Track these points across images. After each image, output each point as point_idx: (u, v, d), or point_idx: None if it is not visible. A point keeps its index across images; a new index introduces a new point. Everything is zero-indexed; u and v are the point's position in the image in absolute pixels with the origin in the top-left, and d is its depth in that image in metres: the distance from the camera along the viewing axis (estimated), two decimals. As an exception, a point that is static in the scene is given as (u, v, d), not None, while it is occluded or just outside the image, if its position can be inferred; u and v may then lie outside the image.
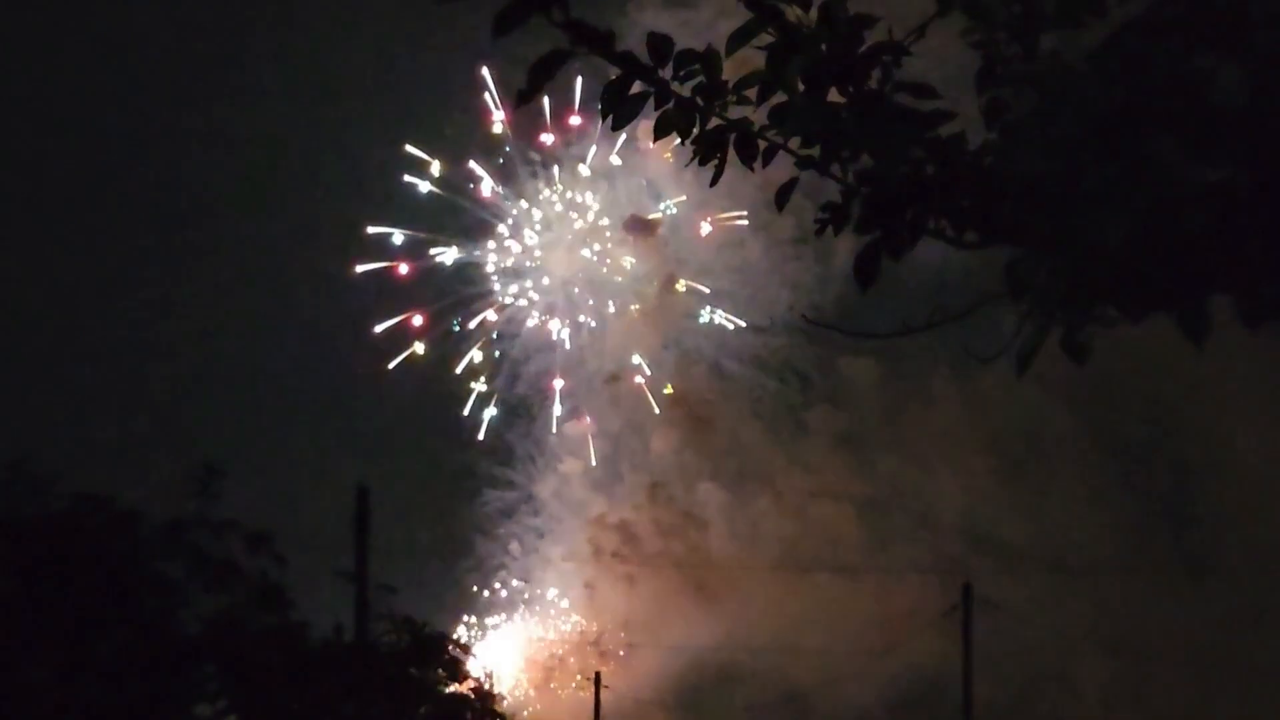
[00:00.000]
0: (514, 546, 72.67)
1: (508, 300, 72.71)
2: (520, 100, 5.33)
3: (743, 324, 72.15)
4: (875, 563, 68.99)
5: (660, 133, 5.59)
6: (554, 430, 72.83)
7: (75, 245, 71.48)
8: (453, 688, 30.13)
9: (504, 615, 72.27)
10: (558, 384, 72.76)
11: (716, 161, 5.63)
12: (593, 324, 73.00)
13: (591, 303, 72.97)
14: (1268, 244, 5.05)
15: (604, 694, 57.87)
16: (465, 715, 29.55)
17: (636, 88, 5.49)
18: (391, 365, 70.66)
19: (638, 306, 73.05)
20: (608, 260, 72.83)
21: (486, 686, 31.51)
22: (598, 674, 58.14)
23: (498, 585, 72.47)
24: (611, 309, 73.02)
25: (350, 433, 70.34)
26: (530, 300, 72.78)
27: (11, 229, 70.72)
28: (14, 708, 24.32)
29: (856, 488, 71.73)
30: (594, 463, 72.54)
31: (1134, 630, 64.88)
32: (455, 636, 31.25)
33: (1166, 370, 60.44)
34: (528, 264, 72.80)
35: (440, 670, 29.54)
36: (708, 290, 72.59)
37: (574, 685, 67.73)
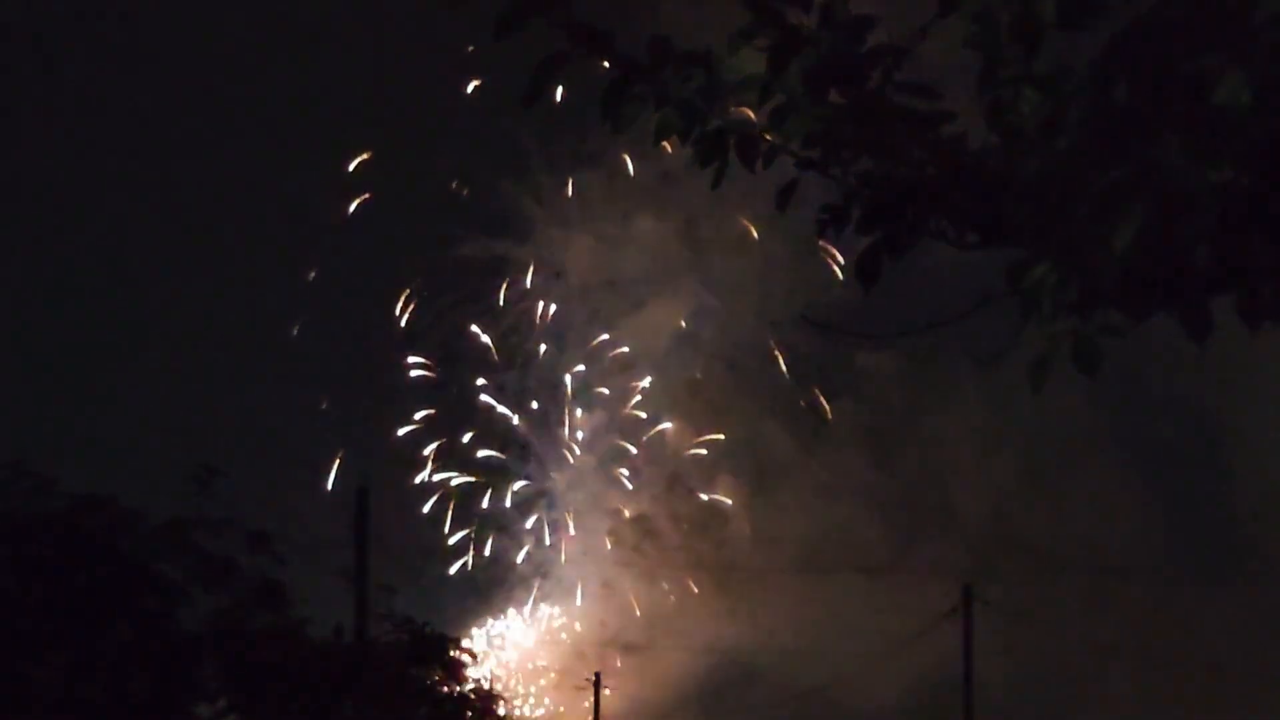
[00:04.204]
0: (529, 540, 72.56)
1: (523, 291, 72.69)
2: (525, 103, 5.34)
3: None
4: (895, 560, 68.84)
5: (660, 135, 5.59)
6: (566, 423, 72.75)
7: (75, 245, 71.50)
8: (453, 688, 30.12)
9: (518, 612, 72.12)
10: (569, 378, 72.71)
11: (717, 163, 5.64)
12: (607, 316, 72.98)
13: (606, 294, 72.93)
14: (1268, 244, 5.05)
15: (617, 693, 57.85)
16: (465, 716, 29.52)
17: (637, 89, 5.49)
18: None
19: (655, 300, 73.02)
20: (626, 254, 72.80)
21: (487, 687, 31.49)
22: (597, 674, 58.07)
23: (512, 581, 72.34)
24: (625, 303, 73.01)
25: (352, 428, 70.29)
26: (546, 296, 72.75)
27: (11, 229, 70.70)
28: (14, 706, 24.33)
29: (877, 485, 71.57)
30: (608, 456, 72.48)
31: (1163, 635, 64.43)
32: (457, 637, 31.21)
33: (1196, 367, 60.01)
34: (546, 258, 72.76)
35: (441, 670, 29.52)
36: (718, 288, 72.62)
37: (578, 686, 67.55)
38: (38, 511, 25.67)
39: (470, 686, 29.94)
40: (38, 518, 25.55)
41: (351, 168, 70.88)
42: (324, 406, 70.50)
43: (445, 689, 29.64)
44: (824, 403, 72.27)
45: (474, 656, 31.44)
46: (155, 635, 25.92)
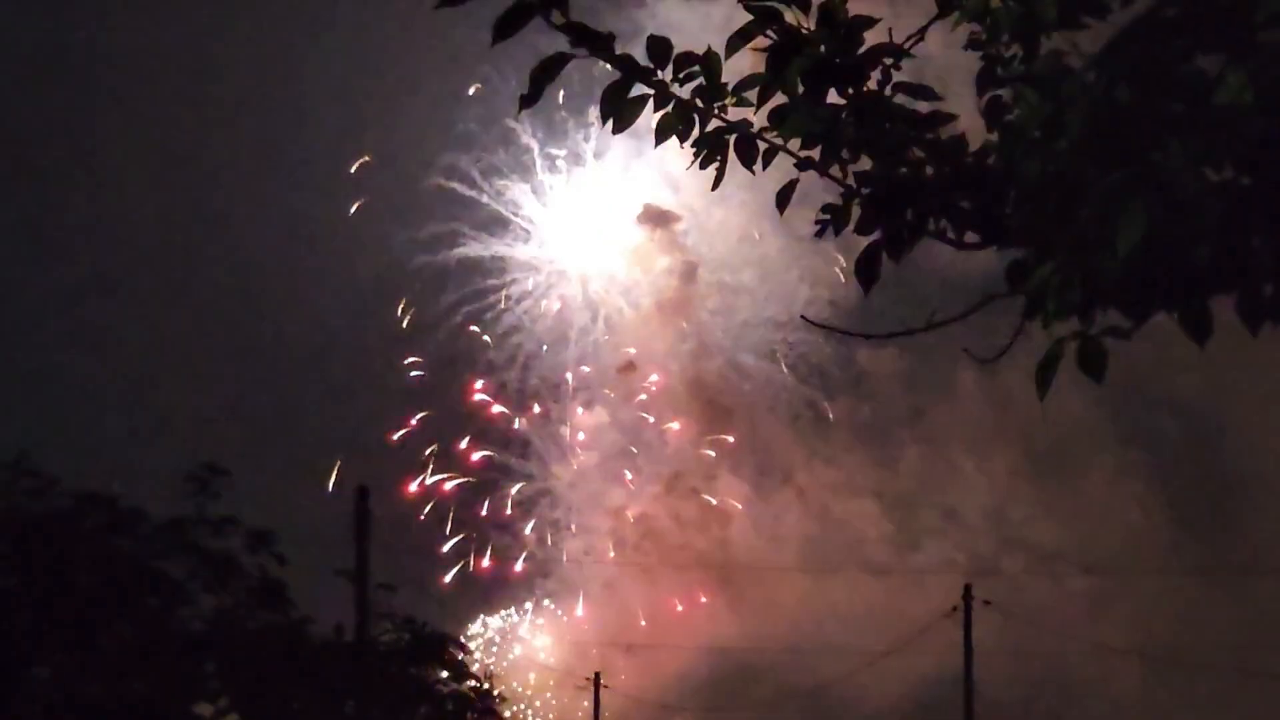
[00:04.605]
0: (531, 541, 72.39)
1: (524, 291, 72.54)
2: (524, 104, 5.34)
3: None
4: (897, 558, 68.72)
5: (660, 135, 5.59)
6: (568, 422, 72.59)
7: (75, 244, 71.50)
8: (453, 687, 30.13)
9: (519, 612, 72.00)
10: (570, 377, 72.62)
11: (718, 163, 5.65)
12: (609, 316, 72.85)
13: (608, 294, 72.82)
14: (1269, 244, 5.05)
15: (619, 692, 57.78)
16: (465, 715, 29.54)
17: (637, 90, 5.50)
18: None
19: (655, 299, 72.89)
20: (625, 252, 72.70)
21: (486, 686, 31.49)
22: (597, 674, 58.01)
23: (514, 581, 72.18)
24: (627, 301, 72.90)
25: (354, 429, 70.24)
26: (546, 291, 72.62)
27: (12, 228, 70.75)
28: (16, 706, 24.33)
29: (879, 483, 71.40)
30: (610, 453, 72.28)
31: (1164, 634, 64.15)
32: (457, 637, 31.21)
33: (1201, 365, 59.74)
34: (542, 255, 72.61)
35: (440, 670, 29.55)
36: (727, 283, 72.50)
37: (577, 685, 67.44)
38: (38, 511, 25.67)
39: (470, 685, 29.95)
40: (38, 517, 25.56)
41: (353, 169, 70.94)
42: (325, 408, 70.54)
43: (445, 688, 29.66)
44: (825, 403, 72.33)
45: (472, 655, 31.42)
46: (156, 634, 25.93)
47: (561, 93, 67.79)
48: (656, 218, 72.61)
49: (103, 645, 25.21)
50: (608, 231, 73.02)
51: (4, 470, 25.92)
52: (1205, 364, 58.56)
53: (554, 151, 71.81)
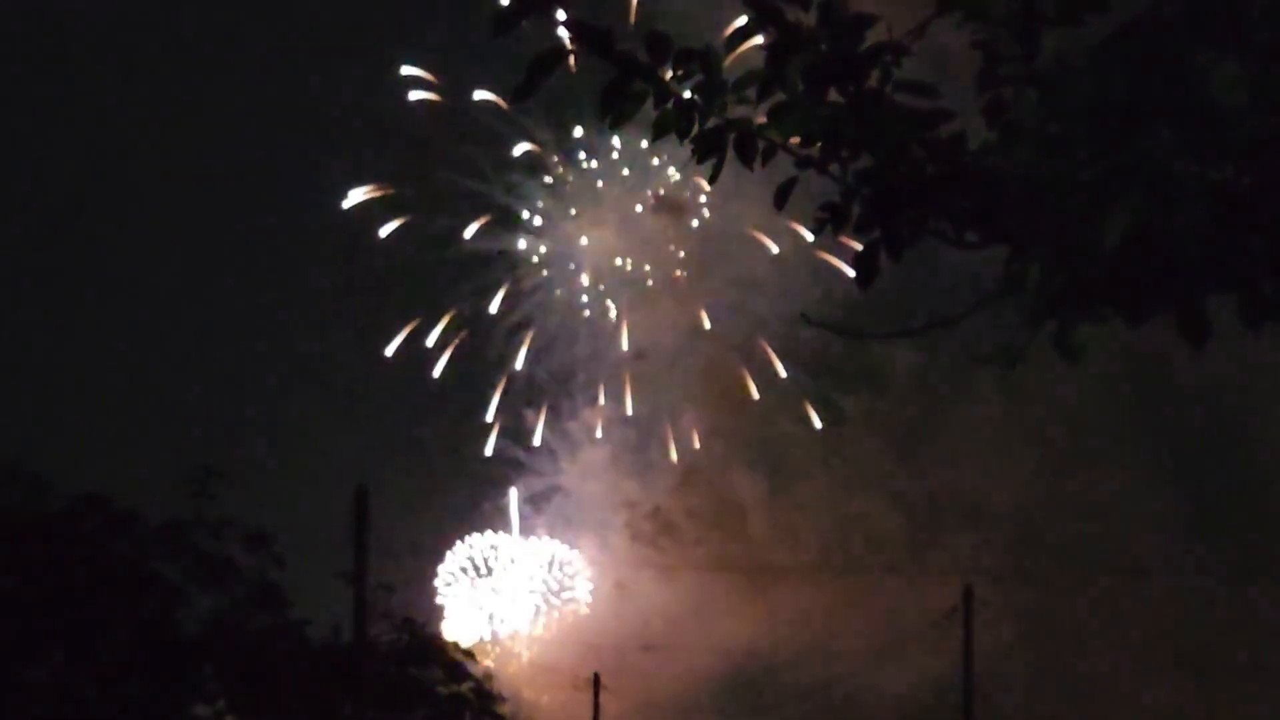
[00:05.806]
0: (542, 533, 72.12)
1: (534, 284, 72.33)
2: (517, 97, 5.35)
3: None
4: (912, 556, 68.38)
5: (659, 132, 5.59)
6: (578, 416, 72.32)
7: (76, 245, 71.52)
8: (452, 688, 30.12)
9: (532, 611, 71.77)
10: (582, 370, 72.40)
11: (716, 160, 5.64)
12: (621, 309, 72.57)
13: (619, 286, 72.56)
14: (1267, 243, 5.04)
15: (628, 691, 57.61)
16: (464, 716, 29.53)
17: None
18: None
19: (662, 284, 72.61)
20: (638, 240, 72.47)
21: (489, 687, 31.47)
22: (596, 675, 57.89)
23: (522, 580, 71.91)
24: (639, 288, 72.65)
25: (358, 427, 70.19)
26: (556, 282, 72.39)
27: (12, 228, 70.75)
28: (13, 707, 24.32)
29: (895, 481, 71.06)
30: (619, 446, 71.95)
31: (1187, 634, 63.78)
32: (456, 641, 31.21)
33: (1221, 358, 59.30)
34: (549, 244, 72.40)
35: (439, 670, 29.53)
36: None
37: (576, 686, 67.21)
38: (37, 511, 25.67)
39: (469, 686, 29.91)
40: (37, 517, 25.56)
41: (358, 166, 70.75)
42: (327, 407, 70.45)
43: (444, 689, 29.63)
44: (839, 399, 72.02)
45: (472, 656, 31.39)
46: (154, 637, 25.91)
47: (585, 96, 67.69)
48: (668, 211, 72.36)
49: (100, 648, 25.19)
50: (618, 224, 72.77)
51: (2, 472, 25.91)
52: (1223, 362, 58.34)
53: (563, 143, 71.64)
